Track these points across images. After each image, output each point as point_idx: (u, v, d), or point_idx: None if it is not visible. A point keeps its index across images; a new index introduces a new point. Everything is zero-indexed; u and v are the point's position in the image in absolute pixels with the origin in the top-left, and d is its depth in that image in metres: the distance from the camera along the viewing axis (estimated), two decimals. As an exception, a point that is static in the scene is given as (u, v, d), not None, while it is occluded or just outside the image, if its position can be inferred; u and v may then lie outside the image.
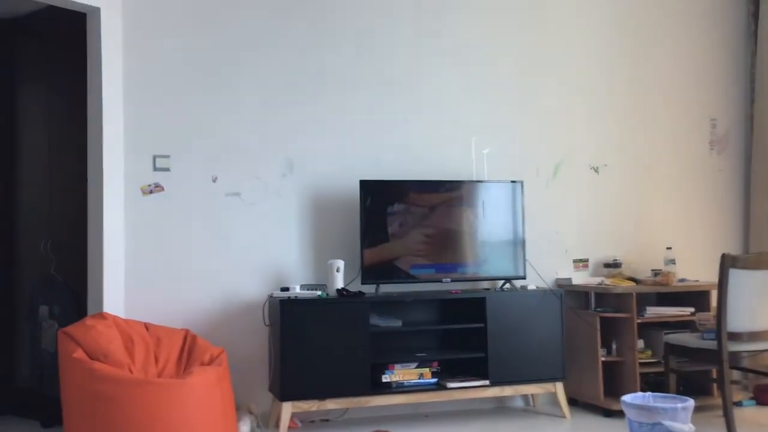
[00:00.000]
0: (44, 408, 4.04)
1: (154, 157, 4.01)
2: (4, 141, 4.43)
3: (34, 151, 4.32)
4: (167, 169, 4.03)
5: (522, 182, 4.40)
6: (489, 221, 4.30)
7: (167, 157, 4.03)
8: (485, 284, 4.45)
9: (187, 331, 3.73)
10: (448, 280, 4.21)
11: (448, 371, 4.12)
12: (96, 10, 3.86)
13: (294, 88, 4.25)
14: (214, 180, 4.11)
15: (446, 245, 4.22)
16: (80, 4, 3.80)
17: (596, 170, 4.81)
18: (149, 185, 4.01)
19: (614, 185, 4.84)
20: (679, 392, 4.08)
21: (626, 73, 4.89)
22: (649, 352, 4.37)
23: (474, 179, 4.47)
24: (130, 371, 3.34)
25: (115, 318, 3.56)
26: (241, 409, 3.87)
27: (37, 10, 4.18)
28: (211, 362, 3.56)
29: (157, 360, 3.56)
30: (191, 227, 4.05)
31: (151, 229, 3.98)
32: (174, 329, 3.73)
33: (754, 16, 5.09)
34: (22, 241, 4.35)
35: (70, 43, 4.04)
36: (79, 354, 3.27)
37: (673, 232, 4.93)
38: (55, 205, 4.18)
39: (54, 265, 4.14)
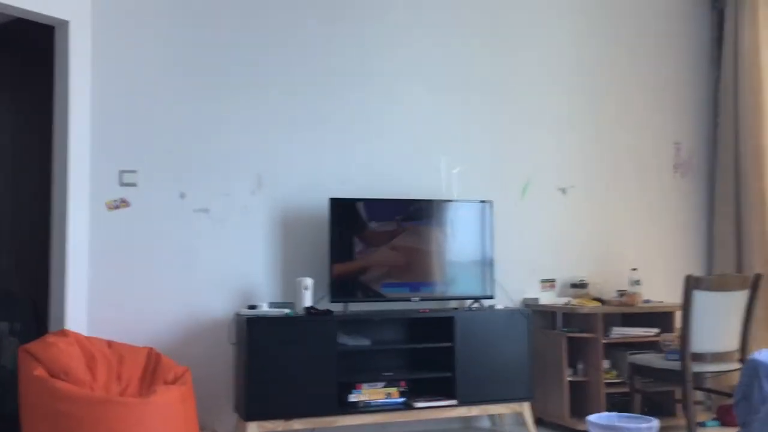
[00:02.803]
0: (3, 426, 3.94)
1: (121, 172, 3.97)
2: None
3: (-3, 164, 4.25)
4: (134, 185, 3.98)
5: (491, 202, 4.43)
6: (458, 240, 4.31)
7: (134, 172, 3.99)
8: (454, 303, 4.45)
9: (150, 349, 3.67)
10: (417, 299, 4.21)
11: (415, 391, 4.10)
12: (65, 24, 3.82)
13: (263, 105, 4.24)
14: (182, 196, 4.07)
15: (415, 264, 4.22)
16: (49, 17, 3.75)
17: (563, 191, 4.86)
18: (115, 200, 3.95)
19: (581, 206, 4.89)
20: (643, 412, 4.12)
21: (591, 96, 4.97)
22: (615, 372, 4.40)
23: (443, 198, 4.49)
24: (92, 389, 3.28)
25: (77, 335, 3.49)
26: (205, 429, 3.82)
27: (5, 22, 4.12)
28: (175, 381, 3.51)
29: (119, 378, 3.49)
30: (157, 244, 4.00)
31: (116, 245, 3.93)
32: (138, 347, 3.67)
33: (718, 41, 5.21)
34: (-18, 256, 4.26)
35: (37, 56, 3.99)
36: (39, 372, 3.20)
37: (638, 253, 4.99)
38: (18, 219, 4.10)
39: (15, 280, 4.05)
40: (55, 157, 3.87)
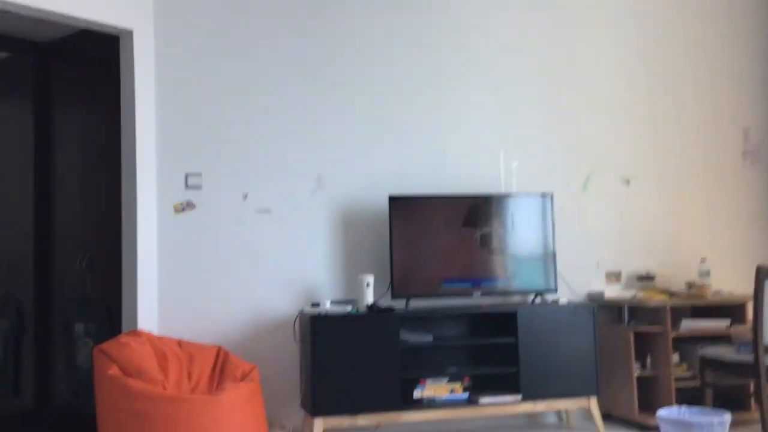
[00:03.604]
0: (80, 425, 4.10)
1: (186, 176, 4.07)
2: (41, 164, 4.52)
3: (69, 172, 4.41)
4: (199, 187, 4.08)
5: (552, 194, 4.38)
6: (519, 234, 4.28)
7: (199, 175, 4.09)
8: (516, 298, 4.42)
9: (219, 348, 3.77)
10: (479, 294, 4.19)
11: (479, 386, 4.09)
12: (129, 33, 3.94)
13: (323, 105, 4.29)
14: (245, 197, 4.15)
15: (476, 259, 4.21)
16: (113, 27, 3.88)
17: (627, 182, 4.76)
18: (182, 203, 4.06)
19: (646, 197, 4.79)
20: (716, 406, 4.01)
21: (656, 84, 4.85)
22: (685, 366, 4.30)
23: (503, 193, 4.46)
24: (164, 388, 3.38)
25: (149, 335, 3.60)
26: (273, 425, 3.89)
27: (71, 34, 4.28)
28: (243, 378, 3.59)
29: (190, 376, 3.59)
30: (223, 244, 4.10)
31: (184, 247, 4.03)
32: (207, 346, 3.77)
33: (787, 23, 5.02)
34: (58, 260, 4.43)
35: (103, 65, 4.13)
36: (114, 371, 3.32)
37: (707, 243, 4.86)
38: (90, 224, 4.25)
39: (89, 283, 4.21)
40: (124, 162, 3.99)
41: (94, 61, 4.23)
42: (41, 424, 4.39)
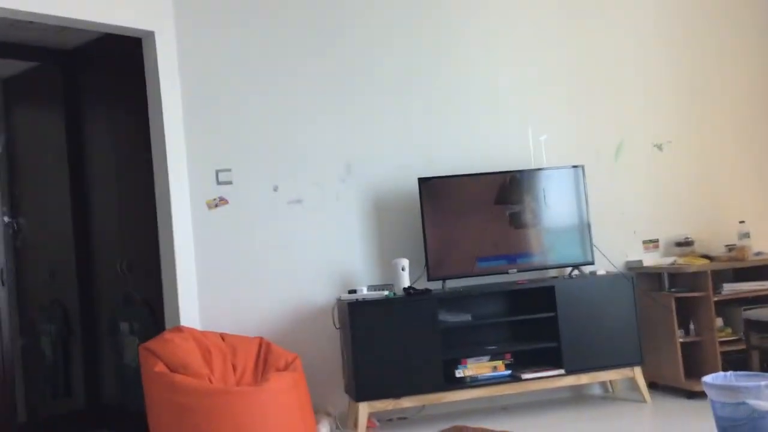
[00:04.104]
0: (130, 421, 4.19)
1: (217, 172, 4.12)
2: (75, 170, 4.60)
3: (103, 176, 4.48)
4: (230, 182, 4.13)
5: (583, 166, 4.33)
6: (552, 208, 4.25)
7: (229, 170, 4.13)
8: (553, 272, 4.40)
9: (261, 339, 3.82)
10: (515, 270, 4.18)
11: (521, 362, 4.09)
12: (150, 34, 3.98)
13: (347, 92, 4.29)
14: (275, 189, 4.18)
15: (510, 236, 4.19)
16: (134, 29, 3.92)
17: (659, 147, 4.69)
18: (214, 199, 4.11)
19: (679, 161, 4.71)
20: (763, 369, 3.96)
21: (684, 43, 4.76)
22: (729, 330, 4.25)
23: (533, 167, 4.43)
24: (210, 381, 3.44)
25: (191, 330, 3.66)
26: (319, 411, 3.93)
27: (95, 39, 4.33)
28: (286, 368, 3.63)
29: (234, 369, 3.65)
30: (257, 237, 4.14)
31: (219, 242, 4.09)
32: (248, 337, 3.82)
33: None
34: (98, 263, 4.52)
35: (128, 67, 4.18)
36: (160, 368, 3.38)
37: (745, 204, 4.77)
38: (127, 226, 4.33)
39: (131, 283, 4.29)
40: (155, 162, 4.05)
41: (120, 64, 4.29)
42: (92, 423, 4.50)
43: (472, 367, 3.94)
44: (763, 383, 2.95)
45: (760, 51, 4.89)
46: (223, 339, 3.75)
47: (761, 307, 4.08)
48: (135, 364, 4.15)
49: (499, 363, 3.98)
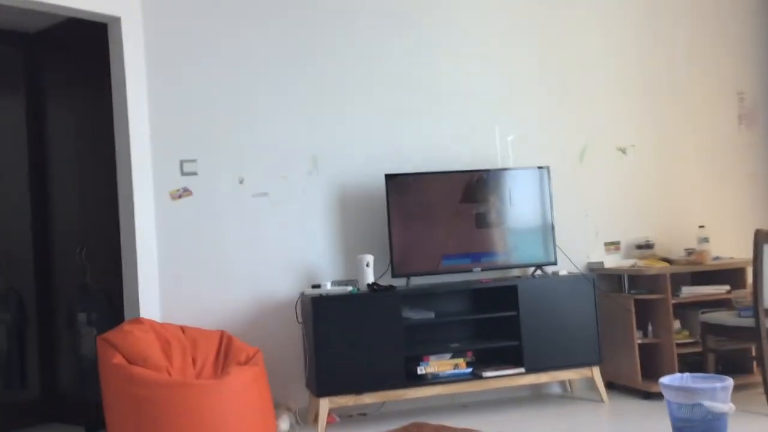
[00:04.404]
0: (87, 413, 4.12)
1: (182, 162, 4.06)
2: (35, 155, 4.50)
3: (64, 162, 4.39)
4: (195, 173, 4.07)
5: (548, 167, 4.37)
6: (517, 208, 4.28)
7: (194, 161, 4.08)
8: (516, 272, 4.43)
9: (222, 332, 3.78)
10: (479, 269, 4.20)
11: (482, 361, 4.12)
12: (116, 20, 3.91)
13: (315, 86, 4.27)
14: (241, 181, 4.14)
15: (475, 235, 4.21)
16: (100, 14, 3.85)
17: (623, 151, 4.76)
18: (178, 190, 4.05)
19: (642, 165, 4.78)
20: (718, 371, 4.04)
21: (648, 50, 4.83)
22: (686, 333, 4.32)
23: (499, 167, 4.45)
24: (169, 374, 3.39)
25: (151, 322, 3.61)
26: (279, 406, 3.91)
27: (58, 22, 4.24)
28: (247, 362, 3.60)
29: (194, 362, 3.61)
30: (221, 230, 4.09)
31: (182, 234, 4.03)
32: (210, 331, 3.78)
33: (779, -15, 4.98)
34: (57, 252, 4.43)
35: (93, 53, 4.10)
36: (118, 359, 3.33)
37: (705, 209, 4.86)
38: (87, 214, 4.25)
39: (89, 273, 4.21)
40: (118, 151, 3.98)
41: (84, 50, 4.20)
42: (49, 415, 4.41)
43: (434, 365, 3.96)
44: (718, 385, 3.01)
45: (722, 56, 4.98)
46: (183, 332, 3.71)
47: (718, 311, 4.16)
48: (92, 355, 4.08)
49: (461, 361, 4.00)
